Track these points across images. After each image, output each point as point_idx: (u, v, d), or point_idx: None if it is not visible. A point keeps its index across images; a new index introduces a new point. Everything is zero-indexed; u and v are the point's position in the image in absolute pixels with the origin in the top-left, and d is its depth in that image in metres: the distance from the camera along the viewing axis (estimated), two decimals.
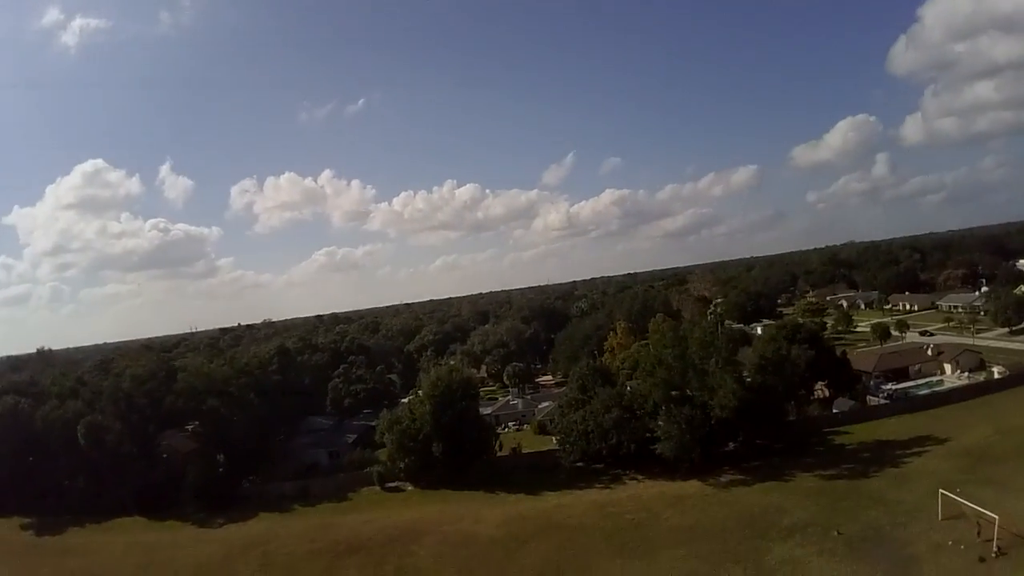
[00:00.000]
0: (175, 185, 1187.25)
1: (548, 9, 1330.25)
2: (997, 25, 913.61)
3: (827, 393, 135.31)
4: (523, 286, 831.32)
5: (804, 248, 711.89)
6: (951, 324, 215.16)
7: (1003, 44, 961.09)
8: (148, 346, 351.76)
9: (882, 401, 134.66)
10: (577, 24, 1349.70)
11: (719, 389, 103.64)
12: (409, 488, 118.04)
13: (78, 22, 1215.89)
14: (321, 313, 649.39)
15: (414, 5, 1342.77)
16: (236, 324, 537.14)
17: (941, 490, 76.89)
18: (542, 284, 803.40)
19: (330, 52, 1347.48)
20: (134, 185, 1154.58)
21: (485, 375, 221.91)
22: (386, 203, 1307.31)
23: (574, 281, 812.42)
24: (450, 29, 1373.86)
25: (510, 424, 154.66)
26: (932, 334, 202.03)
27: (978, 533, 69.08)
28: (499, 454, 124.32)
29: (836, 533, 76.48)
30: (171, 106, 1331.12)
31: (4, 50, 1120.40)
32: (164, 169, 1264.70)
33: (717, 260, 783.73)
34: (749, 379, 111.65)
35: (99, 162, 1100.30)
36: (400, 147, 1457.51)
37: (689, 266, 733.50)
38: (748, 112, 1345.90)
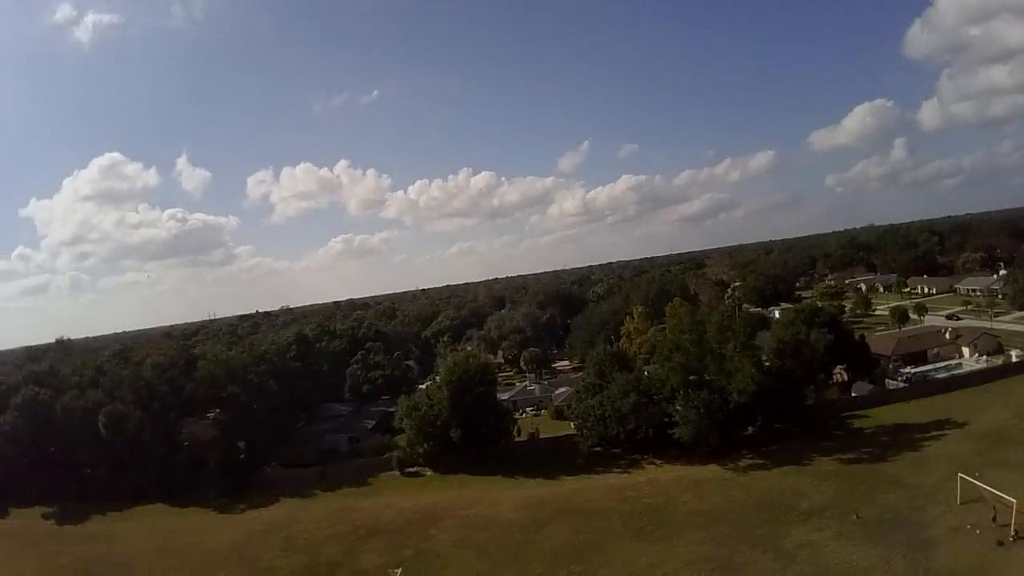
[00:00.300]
0: (192, 177, 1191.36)
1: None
2: (1010, 8, 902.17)
3: (846, 377, 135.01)
4: (539, 271, 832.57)
5: (823, 231, 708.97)
6: (969, 307, 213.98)
7: (1016, 28, 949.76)
8: (168, 334, 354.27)
9: (901, 385, 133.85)
10: (592, 10, 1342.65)
11: (737, 373, 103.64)
12: (428, 473, 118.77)
13: (90, 17, 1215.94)
14: (339, 299, 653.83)
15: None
16: (255, 311, 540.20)
17: (960, 474, 76.64)
18: (558, 269, 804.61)
19: (343, 43, 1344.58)
20: (151, 177, 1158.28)
21: (502, 360, 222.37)
22: (402, 191, 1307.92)
23: (590, 266, 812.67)
24: (463, 17, 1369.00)
25: (527, 409, 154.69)
26: (960, 318, 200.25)
27: (994, 518, 68.97)
28: (517, 439, 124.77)
29: (854, 517, 76.51)
30: (186, 99, 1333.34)
31: (18, 46, 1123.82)
32: (181, 161, 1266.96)
33: (735, 244, 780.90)
34: (768, 363, 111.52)
35: (116, 155, 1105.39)
36: (415, 136, 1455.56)
37: (707, 250, 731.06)
38: (765, 97, 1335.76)
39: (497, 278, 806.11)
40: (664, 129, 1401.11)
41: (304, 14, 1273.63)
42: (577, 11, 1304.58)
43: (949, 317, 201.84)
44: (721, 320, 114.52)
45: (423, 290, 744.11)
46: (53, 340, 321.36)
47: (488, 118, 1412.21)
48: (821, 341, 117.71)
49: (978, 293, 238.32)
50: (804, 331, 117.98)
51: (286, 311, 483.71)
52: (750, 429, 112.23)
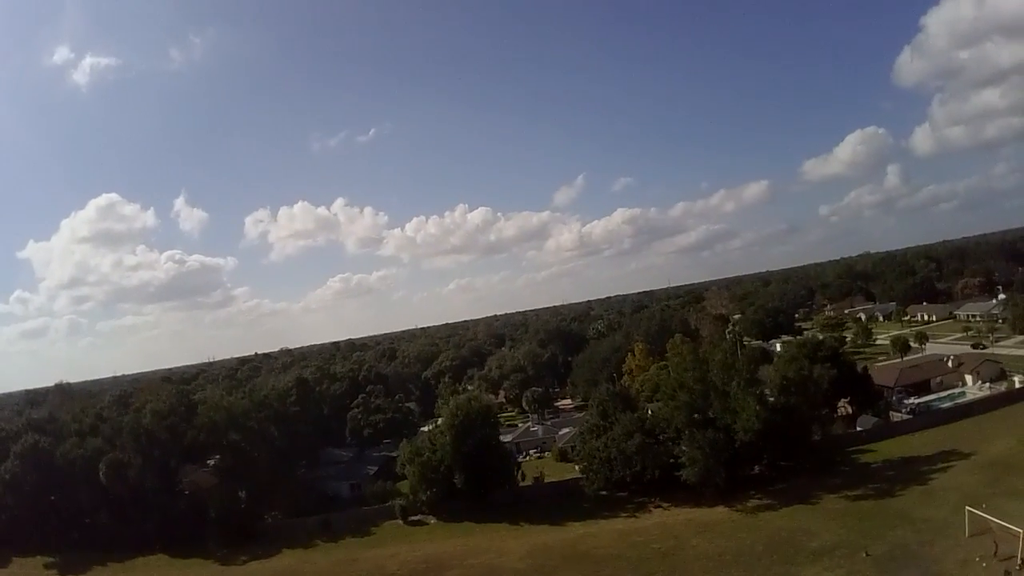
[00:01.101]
0: (190, 217, 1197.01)
1: (553, 33, 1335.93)
2: (1000, 31, 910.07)
3: (850, 410, 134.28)
4: (538, 307, 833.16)
5: (819, 260, 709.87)
6: (970, 333, 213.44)
7: (1007, 49, 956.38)
8: (167, 378, 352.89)
9: (905, 416, 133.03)
10: (583, 47, 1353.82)
11: (742, 412, 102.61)
12: (432, 521, 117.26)
13: (88, 60, 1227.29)
14: (338, 339, 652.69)
15: (420, 35, 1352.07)
16: (253, 353, 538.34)
17: (967, 507, 75.90)
18: (557, 304, 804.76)
19: (340, 84, 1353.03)
20: (149, 218, 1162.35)
21: (503, 400, 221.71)
22: (399, 229, 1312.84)
23: (589, 300, 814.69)
24: (457, 56, 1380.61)
25: (531, 451, 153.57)
26: (985, 346, 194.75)
27: (995, 553, 68.29)
28: (521, 483, 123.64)
29: (864, 555, 75.28)
30: (184, 140, 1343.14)
31: (16, 88, 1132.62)
32: (179, 202, 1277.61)
33: (732, 275, 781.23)
34: (772, 399, 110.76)
35: (113, 196, 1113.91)
36: (411, 174, 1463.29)
37: (704, 282, 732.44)
38: (757, 128, 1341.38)
39: (496, 315, 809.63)
40: (658, 161, 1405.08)
41: (301, 57, 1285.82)
42: (568, 48, 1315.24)
43: (975, 346, 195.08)
44: (724, 358, 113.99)
45: (422, 328, 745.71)
46: (52, 383, 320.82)
47: (484, 154, 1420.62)
48: (825, 376, 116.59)
49: (978, 319, 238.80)
50: (807, 366, 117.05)
51: (285, 352, 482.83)
52: (756, 468, 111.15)
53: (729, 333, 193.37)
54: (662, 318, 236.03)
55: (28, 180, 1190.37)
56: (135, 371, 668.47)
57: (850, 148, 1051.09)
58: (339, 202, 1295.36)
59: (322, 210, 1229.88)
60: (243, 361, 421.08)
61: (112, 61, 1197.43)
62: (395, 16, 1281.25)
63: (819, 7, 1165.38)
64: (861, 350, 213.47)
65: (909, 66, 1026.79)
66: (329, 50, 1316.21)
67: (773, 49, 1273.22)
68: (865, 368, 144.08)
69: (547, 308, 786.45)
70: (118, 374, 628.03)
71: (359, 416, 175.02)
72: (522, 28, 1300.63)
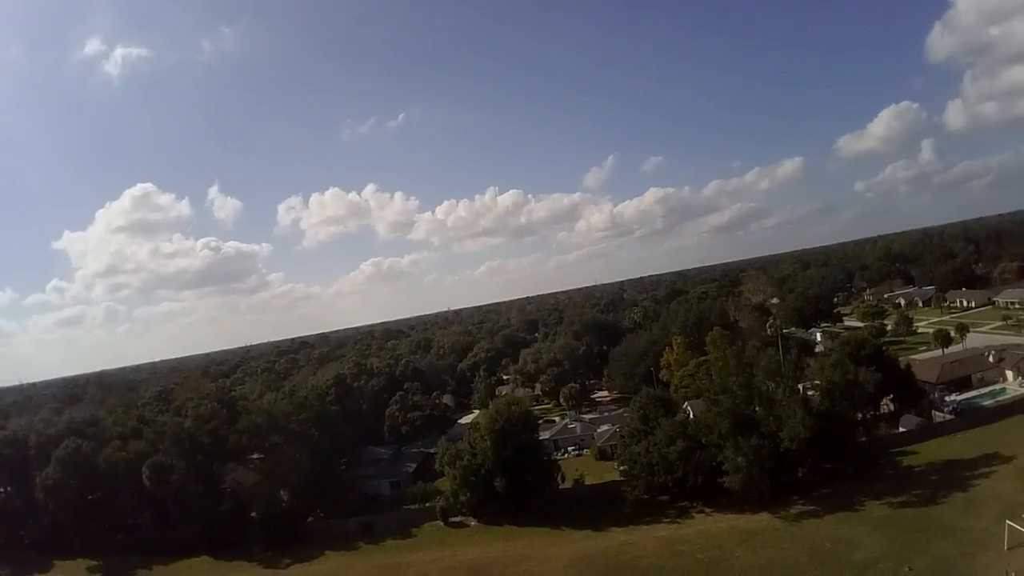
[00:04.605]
0: (224, 206, 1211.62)
1: (583, 14, 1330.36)
2: None
3: (892, 408, 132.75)
4: (570, 288, 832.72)
5: (856, 238, 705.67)
6: (1010, 322, 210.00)
7: None
8: (206, 372, 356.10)
9: (947, 416, 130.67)
10: (614, 27, 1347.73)
11: (788, 419, 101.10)
12: (472, 523, 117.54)
13: (119, 51, 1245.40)
14: (372, 323, 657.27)
15: (448, 21, 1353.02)
16: (290, 340, 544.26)
17: (1008, 521, 74.94)
18: (589, 285, 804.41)
19: (369, 70, 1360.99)
20: (184, 207, 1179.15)
21: (539, 393, 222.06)
22: (429, 213, 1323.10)
23: (621, 281, 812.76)
24: (486, 41, 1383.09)
25: (569, 449, 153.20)
26: None
27: None
28: (561, 486, 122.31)
29: (907, 568, 74.71)
30: (217, 130, 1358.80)
31: (49, 80, 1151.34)
32: (213, 191, 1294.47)
33: (767, 255, 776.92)
34: (817, 402, 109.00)
35: (148, 186, 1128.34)
36: (441, 158, 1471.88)
37: (739, 260, 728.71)
38: (790, 105, 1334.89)
39: (528, 297, 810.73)
40: (689, 140, 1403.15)
41: (330, 43, 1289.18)
42: (598, 27, 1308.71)
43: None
44: (769, 364, 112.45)
45: (455, 312, 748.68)
46: (90, 371, 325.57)
47: (513, 136, 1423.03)
48: (871, 380, 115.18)
49: (1017, 306, 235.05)
50: (852, 370, 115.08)
51: (322, 339, 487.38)
52: (800, 472, 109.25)
53: (770, 326, 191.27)
54: (699, 309, 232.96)
55: (62, 171, 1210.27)
56: (173, 356, 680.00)
57: (884, 123, 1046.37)
58: (370, 188, 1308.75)
59: (353, 196, 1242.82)
60: (281, 352, 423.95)
61: (144, 52, 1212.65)
62: (422, 2, 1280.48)
63: None
64: (902, 339, 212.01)
65: (940, 42, 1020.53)
66: (358, 37, 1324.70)
67: (805, 27, 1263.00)
68: (908, 366, 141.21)
69: (579, 289, 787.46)
70: (156, 360, 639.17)
71: (397, 413, 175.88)
72: (550, 11, 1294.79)
